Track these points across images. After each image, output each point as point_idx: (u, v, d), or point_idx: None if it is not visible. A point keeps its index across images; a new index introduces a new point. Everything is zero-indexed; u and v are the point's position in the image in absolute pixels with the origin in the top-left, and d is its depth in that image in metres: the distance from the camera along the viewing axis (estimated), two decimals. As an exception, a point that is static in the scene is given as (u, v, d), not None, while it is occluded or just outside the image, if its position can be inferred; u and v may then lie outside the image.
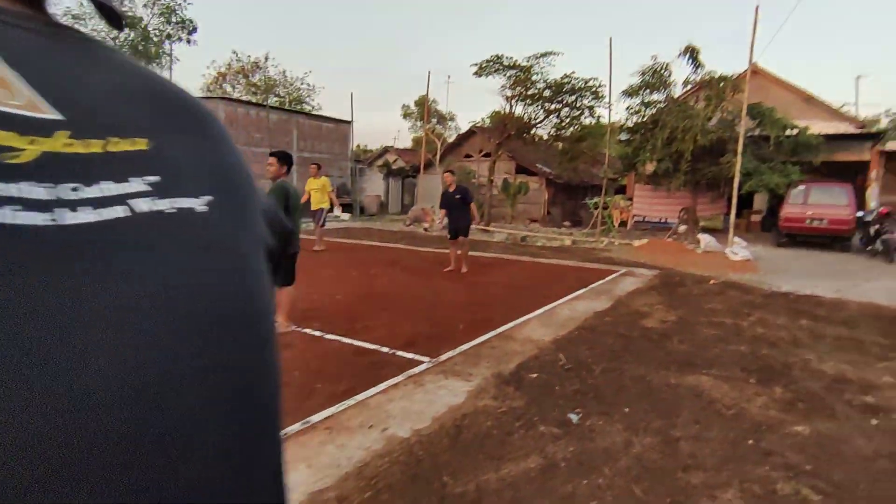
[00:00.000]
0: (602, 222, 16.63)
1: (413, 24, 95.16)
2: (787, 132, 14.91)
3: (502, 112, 18.29)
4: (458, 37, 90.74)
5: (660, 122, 15.20)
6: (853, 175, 17.00)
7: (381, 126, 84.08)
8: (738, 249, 11.13)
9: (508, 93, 17.93)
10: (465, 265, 8.53)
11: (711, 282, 8.20)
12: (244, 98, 30.23)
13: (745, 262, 10.48)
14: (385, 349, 4.29)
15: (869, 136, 16.81)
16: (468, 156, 25.39)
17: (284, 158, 4.81)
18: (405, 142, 38.37)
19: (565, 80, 16.97)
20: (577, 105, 17.43)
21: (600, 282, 8.02)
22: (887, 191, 17.32)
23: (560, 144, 19.18)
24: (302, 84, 36.57)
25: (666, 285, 7.89)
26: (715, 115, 15.14)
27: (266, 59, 36.45)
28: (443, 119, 28.51)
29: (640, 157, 15.46)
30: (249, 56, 35.68)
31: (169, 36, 18.22)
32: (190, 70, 54.45)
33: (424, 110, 20.51)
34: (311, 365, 3.87)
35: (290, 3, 75.84)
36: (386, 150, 40.63)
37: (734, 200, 12.37)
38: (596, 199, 17.43)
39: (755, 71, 14.60)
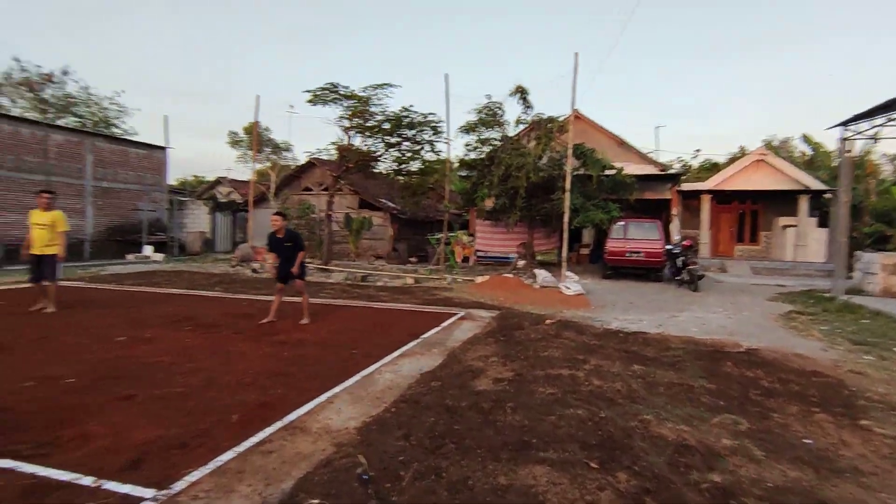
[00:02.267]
0: (445, 259, 16.27)
1: (252, 48, 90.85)
2: (607, 172, 16.14)
3: (340, 143, 17.18)
4: (298, 64, 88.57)
5: (496, 158, 15.45)
6: (659, 212, 19.16)
7: (220, 156, 77.53)
8: (571, 284, 11.29)
9: (346, 123, 16.95)
10: (306, 315, 7.51)
11: (547, 322, 7.85)
12: (27, 116, 24.91)
13: (578, 296, 10.59)
14: (87, 480, 2.73)
15: (669, 177, 19.12)
16: (308, 189, 23.76)
17: None
18: (246, 173, 35.13)
19: (404, 114, 16.53)
20: (418, 139, 17.08)
21: (435, 330, 7.16)
22: (685, 225, 19.83)
23: (402, 178, 18.63)
24: (111, 104, 31.52)
25: (503, 329, 7.31)
26: (545, 154, 15.84)
27: (65, 72, 30.81)
28: (277, 149, 26.48)
29: (479, 192, 15.49)
30: (39, 66, 29.78)
31: None
32: None
33: (254, 138, 18.51)
34: None
35: (94, 13, 67.25)
36: (219, 181, 36.86)
37: (565, 235, 12.73)
38: (438, 235, 17.13)
39: (577, 116, 15.66)
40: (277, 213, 7.52)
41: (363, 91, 16.37)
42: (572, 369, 5.21)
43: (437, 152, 17.57)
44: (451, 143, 18.91)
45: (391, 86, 16.32)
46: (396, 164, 17.88)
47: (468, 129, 16.27)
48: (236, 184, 35.89)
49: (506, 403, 4.13)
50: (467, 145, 16.67)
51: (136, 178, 22.15)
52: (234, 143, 26.08)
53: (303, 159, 24.25)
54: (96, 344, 5.85)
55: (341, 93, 16.26)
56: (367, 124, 16.83)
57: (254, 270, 15.58)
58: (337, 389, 4.39)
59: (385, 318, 8.10)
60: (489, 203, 16.64)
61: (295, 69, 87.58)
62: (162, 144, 23.22)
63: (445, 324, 7.67)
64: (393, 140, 17.17)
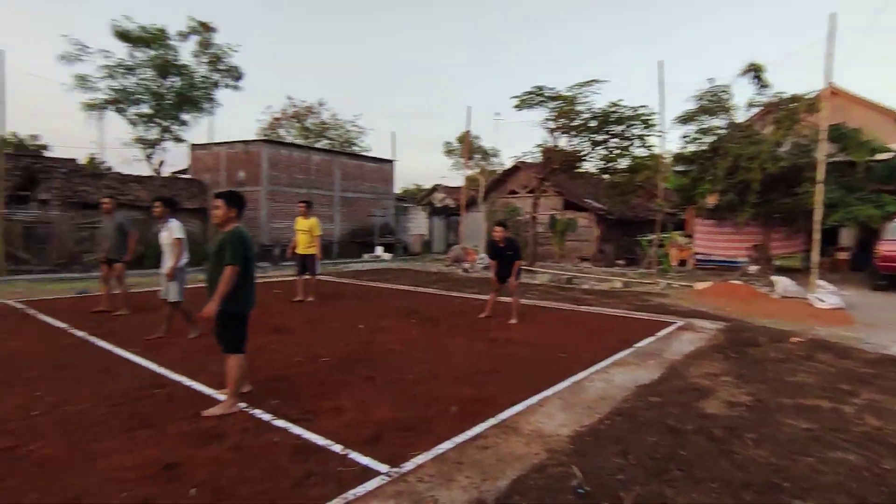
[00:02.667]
0: (658, 262, 14.97)
1: (458, 62, 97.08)
2: (878, 157, 12.87)
3: (545, 145, 17.20)
4: (503, 71, 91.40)
5: (721, 149, 13.62)
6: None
7: (437, 166, 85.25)
8: (826, 295, 9.28)
9: (552, 125, 16.91)
10: (515, 315, 7.73)
11: (793, 340, 6.58)
12: (293, 141, 30.95)
13: (836, 311, 8.66)
14: (337, 448, 3.21)
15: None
16: (513, 192, 24.39)
17: (233, 200, 3.96)
18: (457, 180, 37.98)
19: (612, 109, 15.76)
20: (626, 135, 16.11)
21: (650, 339, 6.61)
22: None
23: (609, 177, 17.77)
24: (351, 127, 37.28)
25: (734, 344, 6.37)
26: (786, 139, 13.38)
27: (320, 104, 37.49)
28: (486, 155, 27.79)
29: (699, 188, 13.85)
30: (303, 101, 36.85)
31: (216, 83, 18.66)
32: (238, 115, 57.44)
33: (465, 147, 19.76)
34: (227, 475, 2.85)
35: (339, 51, 79.56)
36: (435, 188, 40.49)
37: (816, 236, 10.52)
38: (650, 236, 15.83)
39: (833, 91, 12.83)
40: (499, 224, 7.92)
41: (569, 90, 16.12)
42: (834, 402, 4.25)
43: (648, 147, 16.33)
44: (665, 137, 17.35)
45: (598, 81, 15.73)
46: (603, 162, 17.17)
47: (686, 118, 14.68)
48: (450, 190, 38.96)
49: (744, 433, 3.56)
50: (685, 137, 15.07)
51: (370, 189, 25.66)
52: (448, 152, 28.32)
53: (509, 163, 25.01)
54: (345, 330, 6.91)
55: (546, 95, 16.27)
56: (573, 124, 16.52)
57: (464, 270, 16.62)
58: (547, 393, 4.36)
59: (593, 323, 7.80)
60: (711, 200, 14.74)
61: (503, 75, 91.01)
62: (390, 158, 26.45)
63: (662, 333, 7.02)
64: (599, 138, 16.54)
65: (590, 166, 17.64)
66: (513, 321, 7.63)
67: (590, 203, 21.63)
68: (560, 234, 20.70)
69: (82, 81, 15.53)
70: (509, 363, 5.33)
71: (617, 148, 16.67)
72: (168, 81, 17.06)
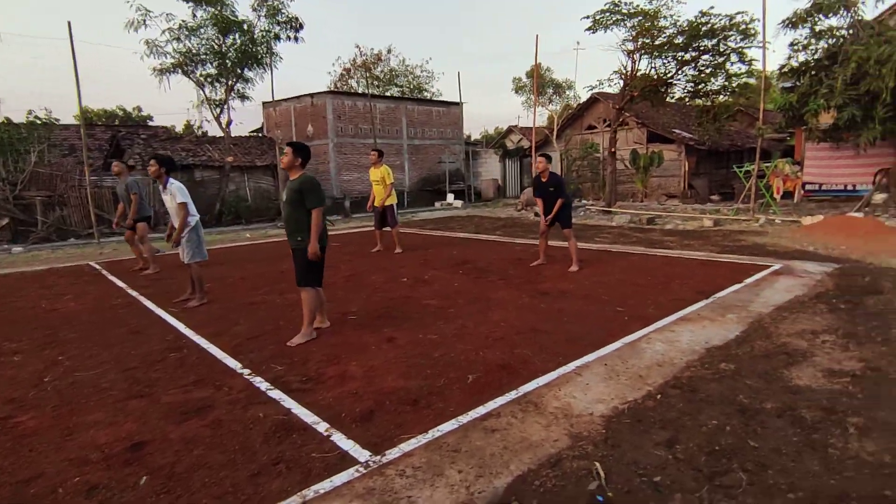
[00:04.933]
0: (758, 195, 13.04)
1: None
2: None
3: (623, 71, 15.31)
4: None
5: (840, 54, 11.21)
6: None
7: (515, 108, 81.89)
8: (979, 227, 7.42)
9: (630, 46, 14.96)
10: (574, 262, 6.97)
11: (931, 285, 5.22)
12: (363, 91, 30.65)
13: None
14: (322, 427, 2.79)
15: None
16: (591, 127, 22.47)
17: (299, 149, 4.27)
18: (531, 120, 35.98)
19: (702, 21, 13.53)
20: (720, 49, 13.84)
21: (734, 287, 5.55)
22: None
23: (699, 102, 15.57)
24: (421, 72, 36.18)
25: (846, 292, 5.16)
26: (932, 34, 10.68)
27: (388, 51, 36.67)
28: (559, 89, 25.68)
29: (810, 105, 11.60)
30: (372, 49, 36.20)
31: (276, 36, 18.47)
32: (308, 70, 57.85)
33: (534, 81, 18.19)
34: (189, 459, 2.54)
35: (416, -6, 77.00)
36: (510, 130, 38.73)
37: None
38: (748, 166, 13.76)
39: None
40: (542, 155, 7.06)
41: (650, 3, 14.05)
42: None
43: (748, 62, 13.96)
44: (770, 47, 14.73)
45: (685, -12, 13.48)
46: (692, 84, 15.02)
47: (795, 21, 12.16)
48: (525, 131, 37.04)
49: (846, 417, 2.67)
50: (792, 45, 12.55)
51: (439, 134, 24.88)
52: (518, 89, 26.52)
53: (585, 97, 22.95)
54: (386, 283, 6.52)
55: (624, 11, 14.30)
56: (656, 42, 14.48)
57: (536, 214, 15.65)
58: (590, 358, 3.65)
59: (667, 270, 6.77)
60: (826, 118, 12.37)
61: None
62: (457, 101, 25.32)
63: (751, 279, 5.90)
64: (687, 56, 14.38)
65: (677, 91, 15.52)
66: (572, 269, 6.84)
67: (678, 134, 19.36)
68: (643, 171, 18.83)
69: (151, 47, 15.95)
70: (553, 320, 4.63)
71: (708, 67, 14.44)
72: (229, 39, 17.10)
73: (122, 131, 18.50)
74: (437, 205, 22.25)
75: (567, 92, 25.48)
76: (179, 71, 16.77)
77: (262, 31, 18.10)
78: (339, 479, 2.30)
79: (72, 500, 2.23)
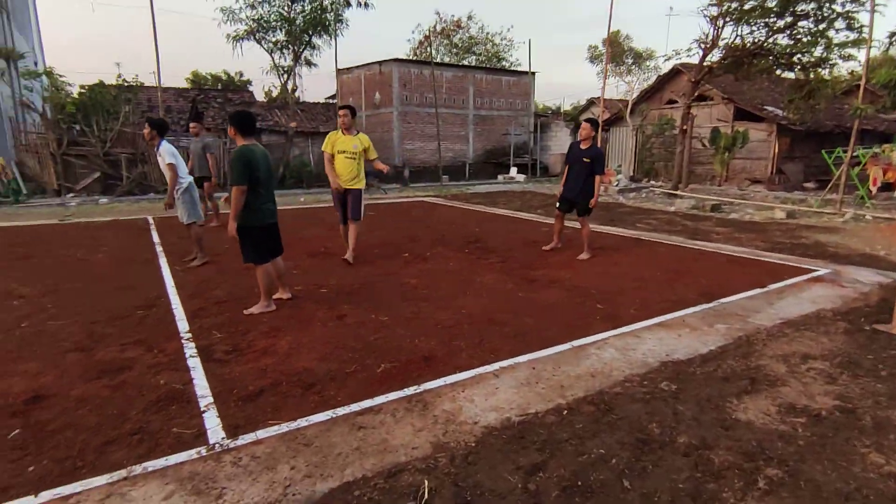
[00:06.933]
0: (848, 185, 11.37)
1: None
2: None
3: (704, 40, 13.78)
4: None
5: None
6: None
7: (594, 78, 77.43)
8: None
9: (714, 11, 13.40)
10: (586, 249, 6.45)
11: None
12: (440, 60, 30.27)
13: None
14: (204, 403, 2.78)
15: None
16: (671, 101, 20.65)
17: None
18: (612, 91, 33.79)
19: (802, -21, 11.77)
20: (822, 14, 11.99)
21: (750, 293, 4.88)
22: None
23: (796, 75, 13.69)
24: (501, 40, 35.05)
25: (885, 310, 4.34)
26: None
27: (469, 17, 35.89)
28: (639, 58, 23.71)
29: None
30: (452, 16, 35.55)
31: (347, 2, 18.59)
32: (376, 38, 57.71)
33: (606, 50, 16.92)
34: (69, 418, 2.64)
35: (510, -44, 73.89)
36: (591, 102, 36.73)
37: None
38: (838, 151, 11.97)
39: None
40: (587, 120, 6.49)
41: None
42: None
43: (857, 28, 12.00)
44: (884, 9, 12.47)
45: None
46: (787, 54, 13.21)
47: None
48: (609, 103, 34.96)
49: (765, 466, 2.22)
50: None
51: (507, 105, 24.11)
52: (594, 57, 24.84)
53: (667, 68, 21.05)
54: (384, 258, 6.44)
55: (710, -29, 12.80)
56: (745, 6, 12.84)
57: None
58: (521, 358, 3.35)
59: (688, 265, 6.10)
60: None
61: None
62: (527, 70, 24.31)
63: (778, 285, 5.16)
64: (781, 22, 12.63)
65: (764, 63, 13.75)
66: (582, 256, 6.36)
67: (769, 112, 17.27)
68: (724, 151, 17.08)
69: (227, 14, 16.72)
70: (517, 312, 4.32)
71: (807, 34, 12.61)
72: (298, 6, 17.46)
73: (201, 95, 19.72)
74: (500, 178, 21.75)
75: (647, 62, 23.48)
76: (252, 38, 17.46)
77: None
78: (175, 458, 2.28)
79: (-55, 445, 2.40)
